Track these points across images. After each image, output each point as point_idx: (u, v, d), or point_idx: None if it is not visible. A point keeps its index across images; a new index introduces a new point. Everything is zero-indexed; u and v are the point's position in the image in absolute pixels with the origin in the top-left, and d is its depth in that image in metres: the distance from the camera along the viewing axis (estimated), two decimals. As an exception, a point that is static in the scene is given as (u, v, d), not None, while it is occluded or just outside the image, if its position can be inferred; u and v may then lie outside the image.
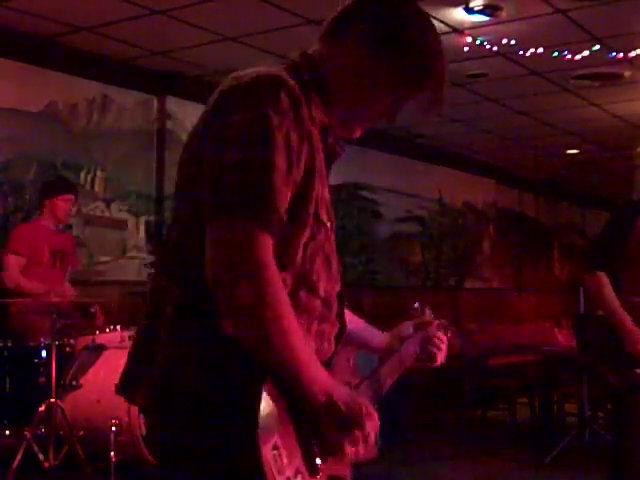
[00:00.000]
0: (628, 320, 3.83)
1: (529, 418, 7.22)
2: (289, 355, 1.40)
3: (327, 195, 1.55)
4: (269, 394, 1.40)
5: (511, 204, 12.12)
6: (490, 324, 8.65)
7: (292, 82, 1.48)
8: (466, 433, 6.80)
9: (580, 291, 6.17)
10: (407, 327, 1.96)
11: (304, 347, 1.43)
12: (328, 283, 1.57)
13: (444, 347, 1.95)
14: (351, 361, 1.68)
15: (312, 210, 1.49)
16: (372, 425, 1.48)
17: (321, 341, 1.56)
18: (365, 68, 1.57)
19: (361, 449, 1.55)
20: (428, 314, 2.03)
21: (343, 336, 1.65)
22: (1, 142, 5.94)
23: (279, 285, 1.40)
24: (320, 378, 1.44)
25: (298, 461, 1.44)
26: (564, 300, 10.87)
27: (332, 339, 1.60)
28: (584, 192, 13.52)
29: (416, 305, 2.04)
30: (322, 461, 1.49)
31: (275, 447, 1.39)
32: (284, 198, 1.42)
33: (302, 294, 1.51)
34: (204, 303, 1.43)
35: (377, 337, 1.95)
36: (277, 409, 1.42)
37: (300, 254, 1.49)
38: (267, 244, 1.40)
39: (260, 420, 1.37)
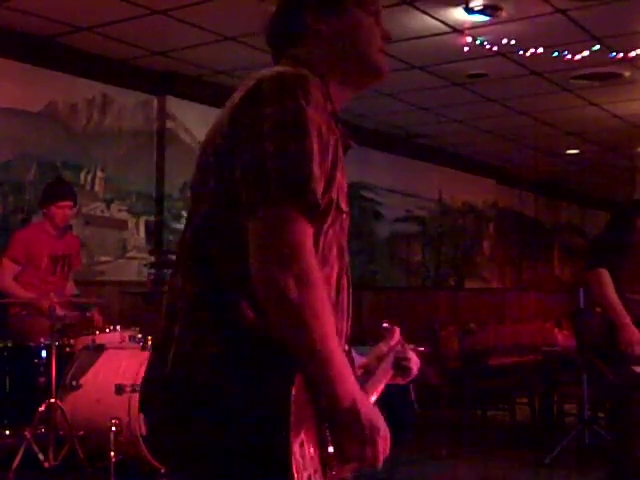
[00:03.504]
0: (626, 317, 3.85)
1: (529, 418, 7.22)
2: (323, 355, 1.39)
3: (346, 185, 1.58)
4: (297, 392, 1.39)
5: (511, 204, 12.12)
6: (490, 324, 8.64)
7: (309, 75, 1.52)
8: (466, 433, 6.80)
9: (580, 291, 6.17)
10: (382, 347, 1.94)
11: (339, 349, 1.43)
12: (339, 273, 1.57)
13: (416, 361, 1.94)
14: (353, 363, 1.66)
15: (334, 198, 1.51)
16: (384, 446, 1.48)
17: (339, 336, 1.55)
18: (340, 28, 1.64)
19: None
20: (396, 333, 2.01)
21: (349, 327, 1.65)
22: (1, 142, 5.95)
23: (320, 281, 1.41)
24: (350, 384, 1.44)
25: (317, 459, 1.45)
26: (564, 300, 10.87)
27: (343, 333, 1.59)
28: (584, 192, 13.53)
29: (385, 325, 2.04)
30: (336, 463, 1.49)
31: (302, 444, 1.39)
32: (321, 187, 1.45)
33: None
34: (223, 296, 1.45)
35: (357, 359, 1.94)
36: (304, 407, 1.41)
37: (322, 242, 1.50)
38: (309, 233, 1.42)
39: (292, 415, 1.36)
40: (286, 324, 1.40)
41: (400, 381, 1.92)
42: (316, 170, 1.42)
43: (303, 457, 1.39)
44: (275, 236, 1.40)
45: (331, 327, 1.41)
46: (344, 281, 1.60)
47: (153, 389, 1.54)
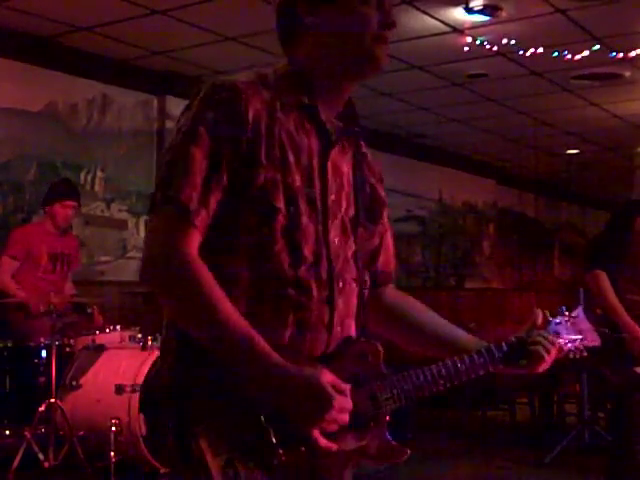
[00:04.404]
0: (628, 318, 3.84)
1: (529, 418, 7.22)
2: (218, 330, 1.43)
3: (295, 180, 1.54)
4: (210, 383, 1.45)
5: (511, 204, 12.12)
6: (490, 324, 8.64)
7: (241, 79, 1.55)
8: (466, 433, 6.80)
9: (580, 291, 6.16)
10: (519, 332, 1.77)
11: (238, 322, 1.43)
12: (301, 269, 1.54)
13: (552, 350, 1.72)
14: (369, 358, 1.60)
15: (257, 195, 1.50)
16: (338, 407, 1.43)
17: (302, 331, 1.53)
18: (332, 19, 1.61)
19: (371, 446, 1.52)
20: (541, 317, 1.80)
21: (343, 322, 1.61)
22: (1, 142, 5.95)
23: (196, 272, 1.45)
24: (259, 355, 1.43)
25: (248, 444, 1.44)
26: (564, 300, 10.87)
27: (321, 327, 1.56)
28: (584, 192, 13.53)
29: (564, 310, 1.85)
30: (282, 447, 1.44)
31: (208, 429, 1.43)
32: (201, 188, 1.47)
33: (265, 284, 1.51)
34: None
35: (464, 337, 1.78)
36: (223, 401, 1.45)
37: (250, 239, 1.51)
38: (182, 233, 1.46)
39: (195, 404, 1.44)
40: (174, 314, 1.51)
41: (524, 370, 1.73)
42: (191, 174, 1.46)
43: (217, 444, 1.42)
44: (150, 237, 1.51)
45: (219, 302, 1.43)
46: (320, 278, 1.57)
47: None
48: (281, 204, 1.51)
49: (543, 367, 1.72)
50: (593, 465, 5.17)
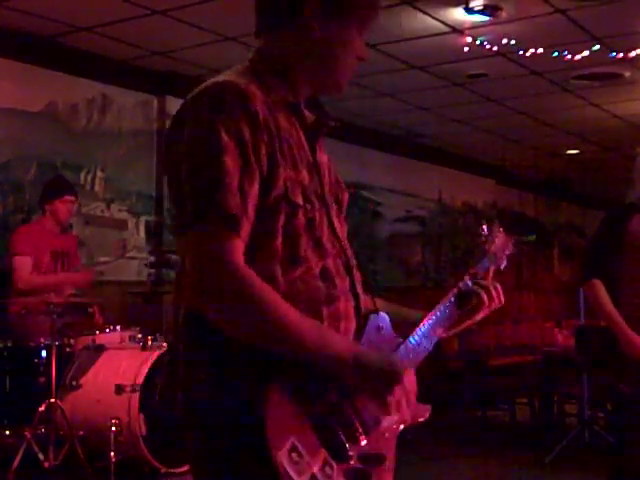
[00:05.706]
0: (626, 327, 3.76)
1: (529, 418, 7.22)
2: (293, 338, 1.43)
3: (304, 176, 1.56)
4: (278, 397, 1.42)
5: (511, 204, 12.12)
6: (490, 324, 8.64)
7: (238, 80, 1.54)
8: (466, 433, 6.80)
9: (580, 291, 6.17)
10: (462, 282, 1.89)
11: (308, 324, 1.46)
12: (326, 262, 1.57)
13: (493, 290, 1.89)
14: (384, 329, 1.65)
15: (281, 195, 1.50)
16: (409, 384, 1.50)
17: (337, 322, 1.56)
18: (332, 36, 1.62)
19: (406, 414, 1.55)
20: (497, 240, 1.96)
21: (363, 308, 1.64)
22: (1, 142, 5.95)
23: (252, 281, 1.43)
24: (340, 344, 1.49)
25: (323, 454, 1.45)
26: (564, 300, 10.87)
27: (350, 315, 1.60)
28: (584, 192, 13.53)
29: (484, 230, 1.96)
30: (350, 443, 1.49)
31: (293, 448, 1.41)
32: (240, 196, 1.44)
33: (298, 283, 1.52)
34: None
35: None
36: (289, 410, 1.43)
37: (279, 240, 1.50)
38: (234, 245, 1.43)
39: (270, 427, 1.39)
40: (241, 332, 1.44)
41: (475, 318, 1.86)
42: (229, 182, 1.43)
43: (298, 461, 1.40)
44: (197, 258, 1.44)
45: (287, 311, 1.44)
46: (339, 268, 1.61)
47: (174, 399, 1.58)
48: (301, 201, 1.53)
49: (484, 311, 1.88)
50: (593, 465, 5.18)
